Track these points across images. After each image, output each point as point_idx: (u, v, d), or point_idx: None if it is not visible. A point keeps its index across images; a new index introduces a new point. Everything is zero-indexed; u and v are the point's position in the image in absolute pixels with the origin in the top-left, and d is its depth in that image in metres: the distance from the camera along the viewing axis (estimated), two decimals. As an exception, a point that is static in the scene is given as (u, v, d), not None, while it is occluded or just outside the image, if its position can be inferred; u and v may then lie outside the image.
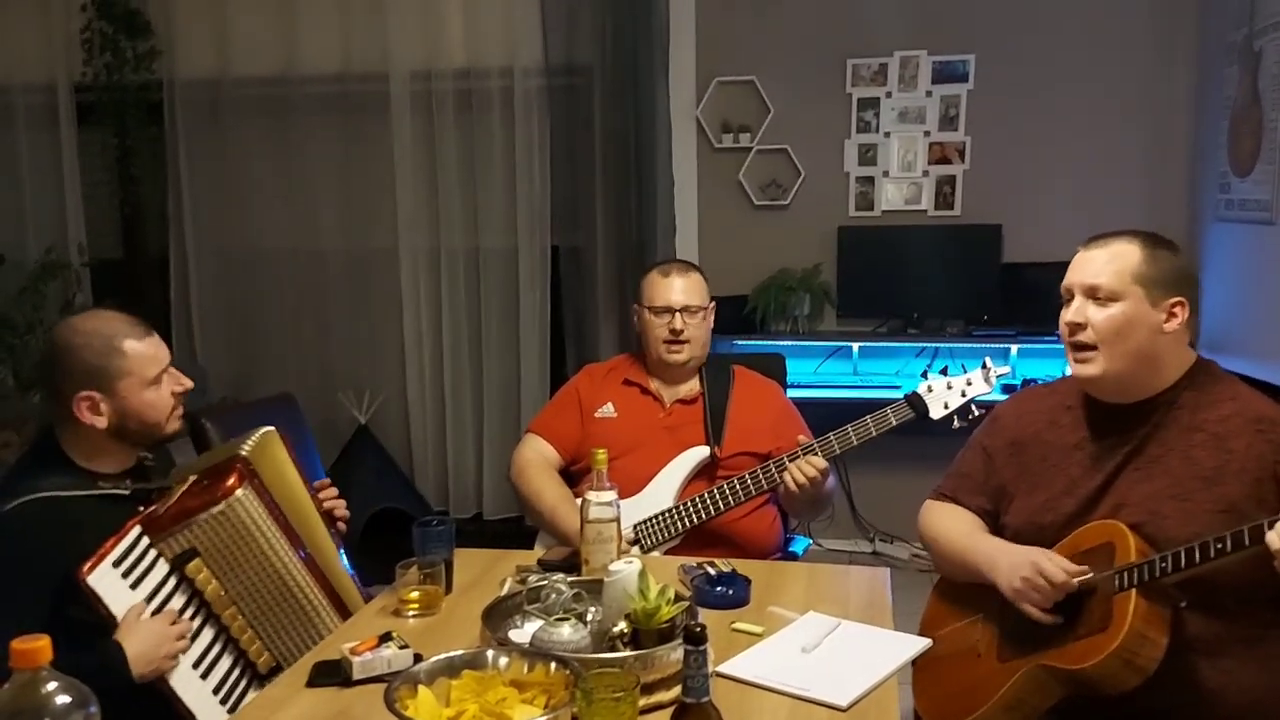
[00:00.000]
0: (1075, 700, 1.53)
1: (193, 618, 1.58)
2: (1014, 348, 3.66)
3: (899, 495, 3.48)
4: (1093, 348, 1.58)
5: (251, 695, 1.60)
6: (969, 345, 3.64)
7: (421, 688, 1.24)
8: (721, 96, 3.92)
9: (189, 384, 1.71)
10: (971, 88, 3.79)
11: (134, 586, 1.52)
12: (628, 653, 1.35)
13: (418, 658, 1.42)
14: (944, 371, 2.10)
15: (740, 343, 3.73)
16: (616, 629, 1.39)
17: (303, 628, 1.66)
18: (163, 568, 1.57)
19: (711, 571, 1.76)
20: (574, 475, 2.27)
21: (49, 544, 1.52)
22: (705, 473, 2.19)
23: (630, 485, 2.10)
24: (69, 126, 4.15)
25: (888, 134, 3.86)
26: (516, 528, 3.74)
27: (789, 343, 3.77)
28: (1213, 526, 1.46)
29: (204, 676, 1.56)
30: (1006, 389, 3.47)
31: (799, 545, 2.42)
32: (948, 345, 3.72)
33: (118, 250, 4.37)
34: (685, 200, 3.90)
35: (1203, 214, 3.64)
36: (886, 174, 3.89)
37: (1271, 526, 1.34)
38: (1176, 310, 1.56)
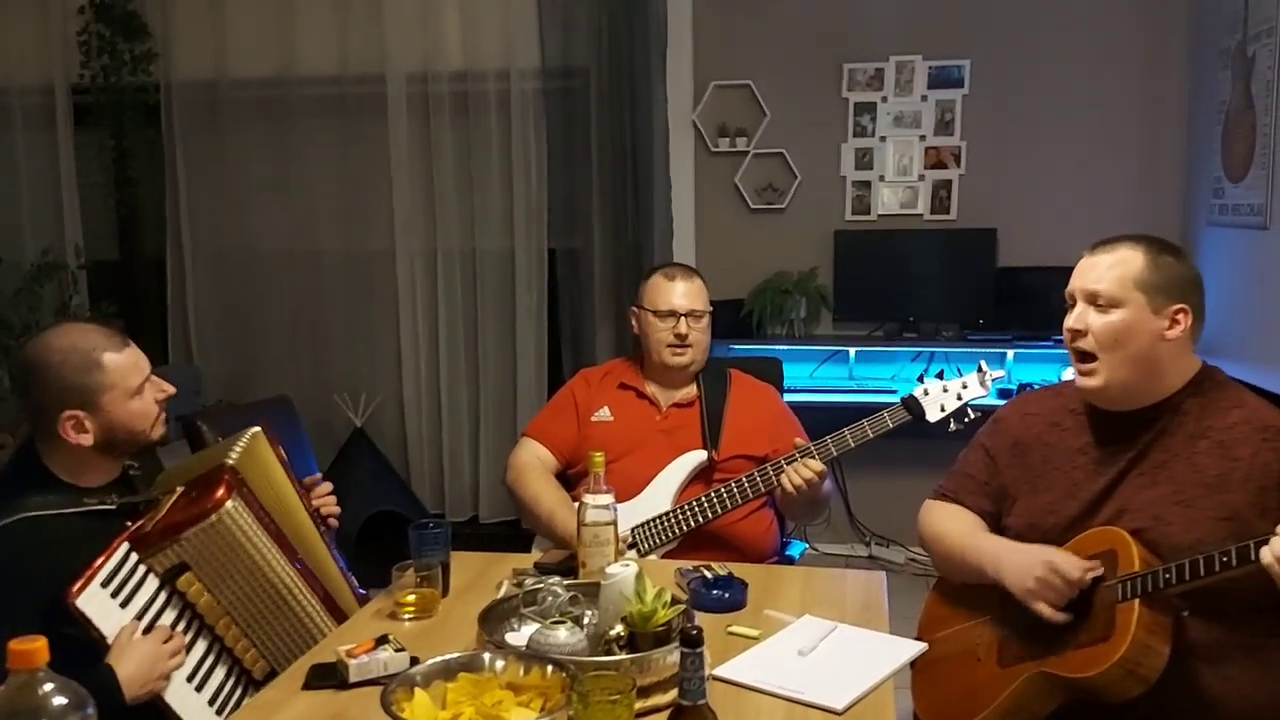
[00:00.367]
0: (1075, 706, 1.53)
1: (185, 631, 1.55)
2: (1010, 352, 3.67)
3: (895, 499, 3.49)
4: (1094, 358, 1.58)
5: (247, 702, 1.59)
6: (964, 349, 3.65)
7: (418, 690, 1.23)
8: (718, 100, 3.93)
9: (171, 390, 1.68)
10: (967, 92, 3.81)
11: (124, 605, 1.49)
12: (624, 655, 1.35)
13: (414, 660, 1.42)
14: (940, 375, 2.11)
15: (737, 346, 3.73)
16: (613, 632, 1.39)
17: (297, 633, 1.64)
18: (153, 583, 1.54)
19: (708, 575, 1.76)
20: (570, 479, 2.27)
21: (36, 565, 1.48)
22: (702, 476, 2.19)
23: (627, 489, 2.10)
24: (66, 128, 4.15)
25: (884, 138, 3.88)
26: (513, 531, 3.74)
27: (785, 347, 3.78)
28: (1215, 533, 1.46)
29: (199, 689, 1.54)
30: (1003, 393, 3.49)
31: (795, 549, 2.43)
32: (943, 349, 3.73)
33: (114, 252, 4.37)
34: (682, 203, 3.91)
35: (1196, 219, 3.65)
36: (882, 178, 3.90)
37: (1259, 549, 1.35)
38: (1179, 317, 1.56)
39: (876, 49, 3.83)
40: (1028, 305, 3.70)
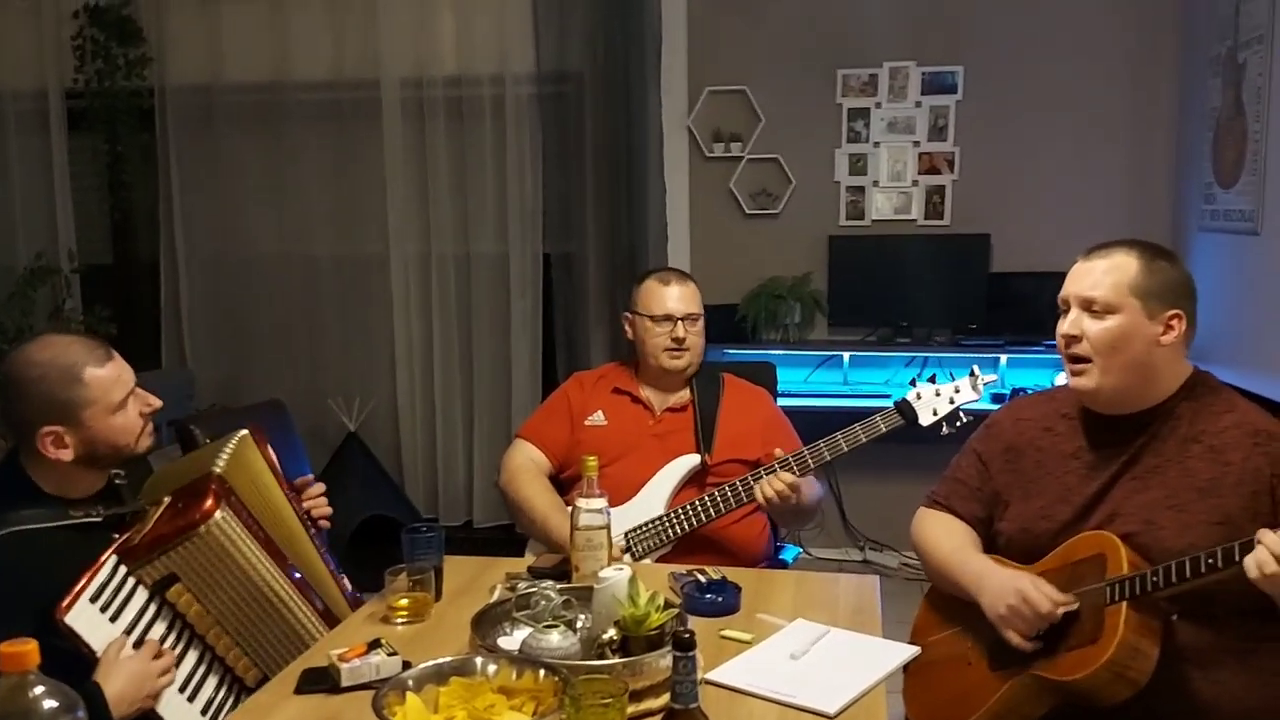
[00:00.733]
0: (1066, 710, 1.53)
1: (176, 642, 1.54)
2: (1003, 357, 3.68)
3: (889, 504, 3.50)
4: (1087, 360, 1.59)
5: None
6: (958, 354, 3.66)
7: (410, 694, 1.23)
8: (713, 106, 3.94)
9: (157, 404, 1.66)
10: (960, 99, 3.82)
11: (113, 619, 1.48)
12: (617, 659, 1.35)
13: (406, 664, 1.42)
14: (932, 379, 2.12)
15: (731, 351, 3.74)
16: (605, 636, 1.39)
17: (288, 639, 1.63)
18: (142, 595, 1.52)
19: (701, 579, 1.76)
20: (563, 483, 2.27)
21: (24, 580, 1.47)
22: (696, 480, 2.20)
23: (621, 493, 2.10)
24: (60, 132, 4.14)
25: (877, 144, 3.89)
26: (507, 535, 3.74)
27: (779, 352, 3.78)
28: (1208, 538, 1.46)
29: (190, 699, 1.53)
30: (996, 398, 3.50)
31: (789, 554, 2.43)
32: (937, 354, 3.74)
33: (108, 256, 4.36)
34: (676, 208, 3.92)
35: (1187, 224, 3.67)
36: (876, 184, 3.91)
37: (1245, 551, 1.36)
38: (1173, 323, 1.56)
39: (871, 55, 3.84)
40: (1021, 310, 3.71)
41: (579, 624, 1.47)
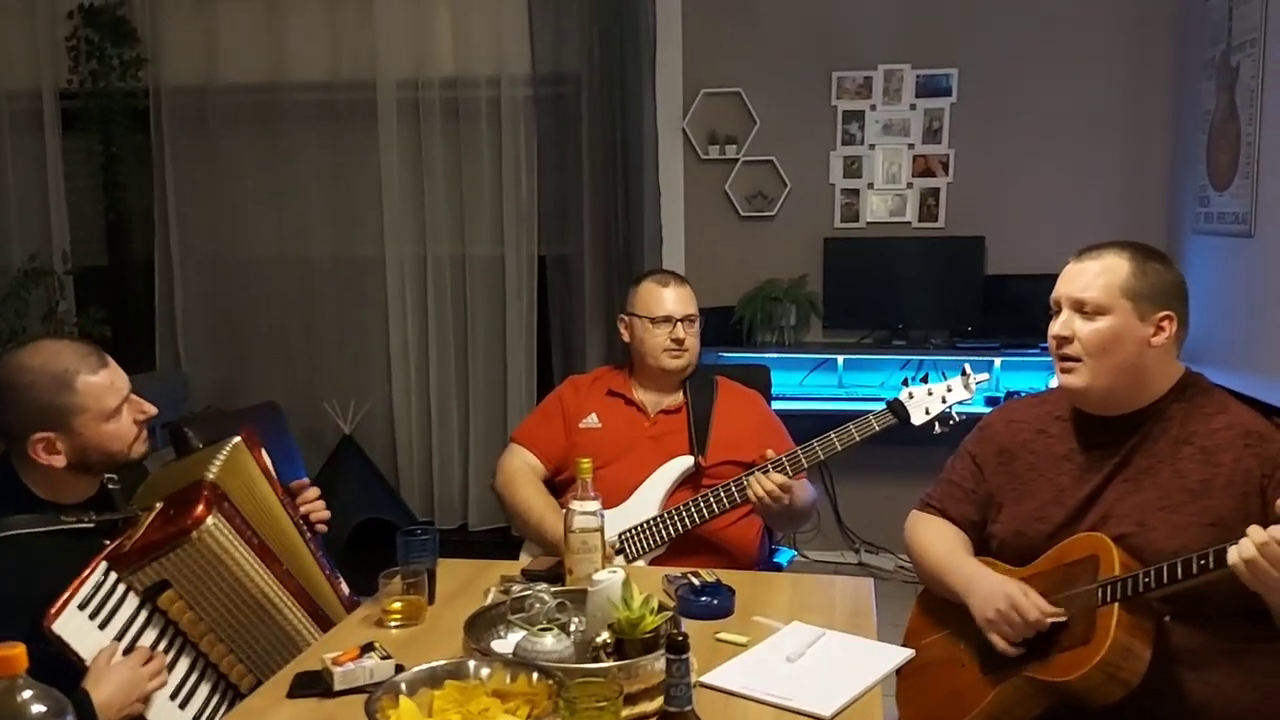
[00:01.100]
0: (1059, 711, 1.54)
1: (168, 649, 1.53)
2: (997, 360, 3.68)
3: (884, 506, 3.50)
4: (1078, 360, 1.59)
5: None
6: (953, 357, 3.65)
7: (403, 698, 1.23)
8: (708, 108, 3.94)
9: (152, 410, 1.64)
10: (955, 101, 3.83)
11: (103, 626, 1.46)
12: (611, 663, 1.35)
13: (400, 668, 1.41)
14: (924, 379, 2.12)
15: (726, 354, 3.73)
16: (600, 639, 1.39)
17: (283, 645, 1.62)
18: (133, 602, 1.51)
19: (696, 581, 1.76)
20: (558, 486, 2.27)
21: (14, 586, 1.46)
22: (690, 482, 2.20)
23: (615, 495, 2.11)
24: (54, 133, 4.13)
25: (872, 146, 3.89)
26: (503, 538, 3.73)
27: (775, 355, 3.78)
28: (1200, 539, 1.47)
29: (182, 706, 1.52)
30: (990, 401, 3.51)
31: (784, 556, 2.43)
32: (932, 357, 3.74)
33: (102, 257, 4.36)
34: (672, 211, 3.92)
35: (1181, 227, 3.68)
36: (871, 186, 3.92)
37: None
38: (1164, 324, 1.57)
39: (865, 58, 3.85)
40: (1015, 313, 3.71)
41: (573, 627, 1.46)
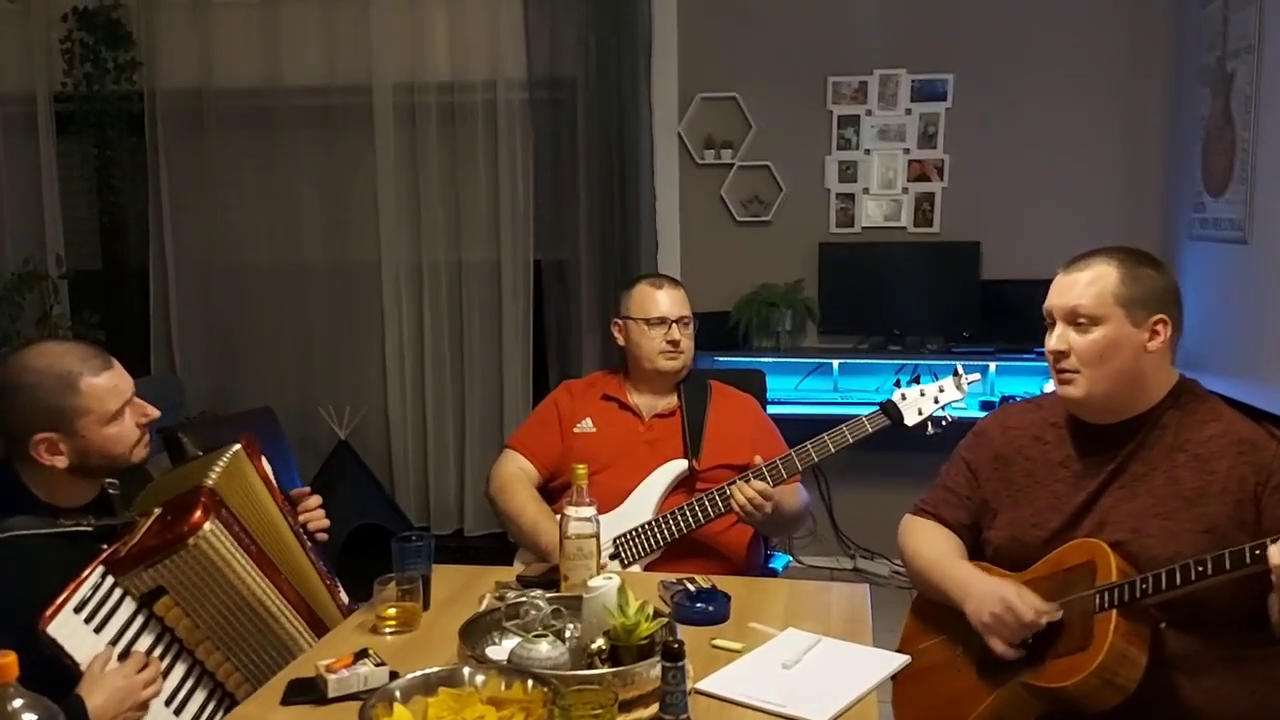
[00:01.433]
0: (1055, 717, 1.54)
1: (164, 655, 1.52)
2: (993, 364, 3.68)
3: (880, 511, 3.48)
4: (1076, 371, 1.59)
5: None
6: (948, 362, 3.64)
7: (397, 705, 1.23)
8: (704, 112, 3.94)
9: (155, 414, 1.65)
10: (950, 106, 3.84)
11: (98, 630, 1.46)
12: (606, 670, 1.34)
13: (394, 675, 1.41)
14: (916, 380, 2.13)
15: (722, 358, 3.73)
16: (595, 646, 1.39)
17: (280, 653, 1.62)
18: (129, 607, 1.50)
19: (691, 588, 1.75)
20: (553, 492, 2.26)
21: (11, 587, 1.45)
22: (685, 485, 2.20)
23: (610, 499, 2.10)
24: (48, 136, 4.12)
25: (868, 151, 3.90)
26: (499, 544, 3.70)
27: (771, 359, 3.78)
28: (1195, 546, 1.47)
29: (177, 713, 1.52)
30: (985, 405, 3.51)
31: (779, 562, 2.43)
32: (927, 361, 3.74)
33: (96, 262, 4.34)
34: (668, 215, 3.92)
35: (1177, 233, 3.69)
36: (867, 191, 3.92)
37: (1234, 559, 1.36)
38: (1159, 328, 1.57)
39: (861, 63, 3.85)
40: (1011, 318, 3.72)
41: (568, 634, 1.46)
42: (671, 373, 2.28)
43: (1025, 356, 3.62)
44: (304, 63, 3.97)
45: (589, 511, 1.71)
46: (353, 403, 4.00)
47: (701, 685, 1.43)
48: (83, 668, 1.43)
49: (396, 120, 3.97)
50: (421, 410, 4.11)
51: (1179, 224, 3.68)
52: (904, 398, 2.10)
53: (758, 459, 2.10)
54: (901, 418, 2.09)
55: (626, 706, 1.30)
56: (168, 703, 1.51)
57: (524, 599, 1.55)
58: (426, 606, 1.72)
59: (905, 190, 3.90)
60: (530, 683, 1.27)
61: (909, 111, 3.86)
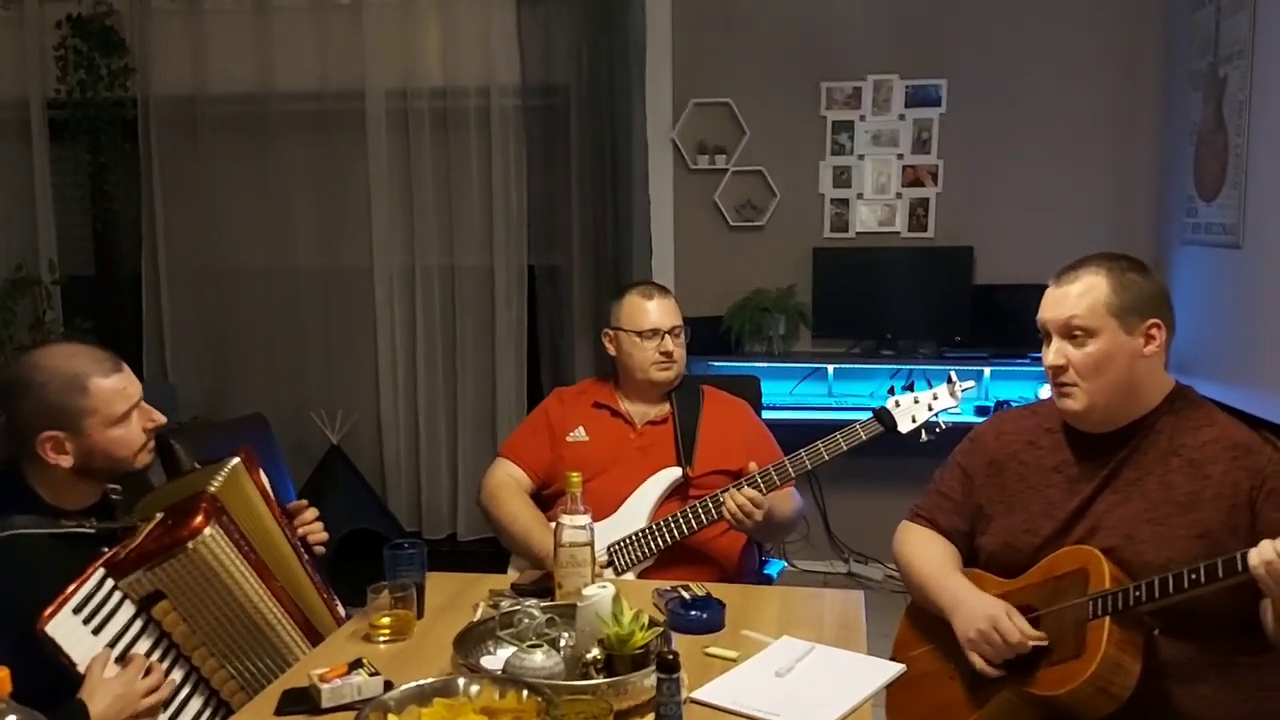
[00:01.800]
0: (1048, 725, 1.54)
1: (160, 660, 1.53)
2: (987, 370, 3.69)
3: (874, 516, 3.49)
4: (1074, 384, 1.59)
5: None
6: (942, 367, 3.64)
7: (391, 716, 1.22)
8: (697, 118, 3.95)
9: (161, 420, 1.66)
10: (944, 111, 3.85)
11: (96, 632, 1.46)
12: (601, 679, 1.34)
13: (388, 685, 1.41)
14: (910, 387, 2.13)
15: (716, 364, 3.74)
16: (590, 655, 1.38)
17: (276, 663, 1.62)
18: (128, 610, 1.51)
19: (686, 595, 1.75)
20: (546, 500, 2.26)
21: (10, 587, 1.46)
22: (678, 493, 2.20)
23: (603, 507, 2.10)
24: (41, 142, 4.11)
25: (861, 156, 3.90)
26: (492, 549, 3.69)
27: (764, 364, 3.78)
28: (1188, 551, 1.47)
29: (174, 719, 1.52)
30: (979, 410, 3.52)
31: (774, 567, 2.43)
32: (921, 366, 3.74)
33: (89, 267, 4.32)
34: (661, 221, 3.92)
35: (1170, 237, 3.70)
36: (860, 196, 3.93)
37: (1227, 566, 1.36)
38: (1153, 332, 1.57)
39: (854, 68, 3.86)
40: (1005, 323, 3.73)
41: (563, 643, 1.45)
42: (665, 384, 2.28)
43: (1019, 361, 3.63)
44: (297, 69, 3.97)
45: (584, 520, 1.71)
46: (345, 407, 4.00)
47: (696, 694, 1.43)
48: (80, 668, 1.44)
49: (389, 126, 3.96)
50: (414, 415, 4.10)
51: (1171, 229, 3.69)
52: (898, 405, 2.11)
53: (752, 466, 2.09)
54: (895, 425, 2.09)
55: (621, 716, 1.30)
56: (164, 708, 1.51)
57: (518, 608, 1.55)
58: (421, 614, 1.72)
59: (899, 195, 3.91)
60: (525, 693, 1.27)
61: (902, 117, 3.87)
